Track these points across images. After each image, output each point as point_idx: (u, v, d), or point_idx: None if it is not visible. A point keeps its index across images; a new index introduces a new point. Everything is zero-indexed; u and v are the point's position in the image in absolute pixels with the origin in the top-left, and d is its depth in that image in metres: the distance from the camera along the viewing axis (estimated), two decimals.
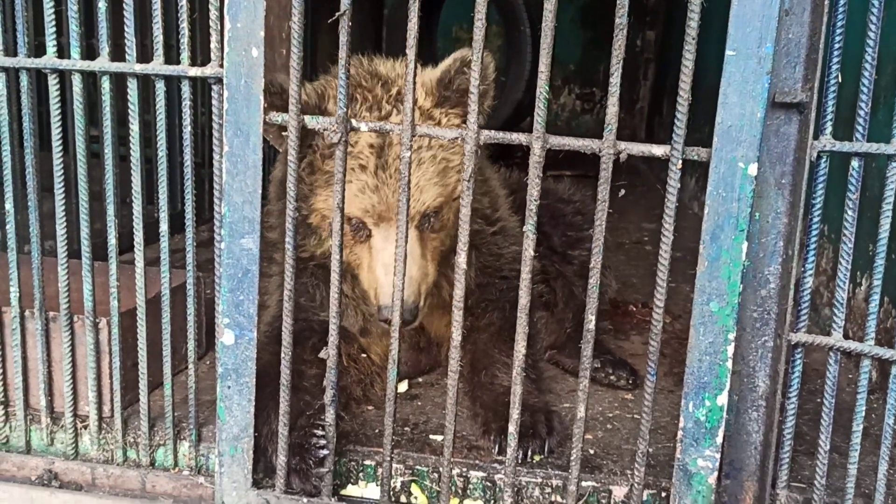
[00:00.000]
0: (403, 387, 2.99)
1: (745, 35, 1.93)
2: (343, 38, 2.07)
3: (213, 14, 2.21)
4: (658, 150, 2.03)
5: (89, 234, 2.44)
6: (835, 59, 2.11)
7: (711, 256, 2.03)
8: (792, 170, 2.18)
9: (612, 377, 3.03)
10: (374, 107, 2.61)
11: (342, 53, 2.08)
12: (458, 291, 2.14)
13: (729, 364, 2.07)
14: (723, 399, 2.09)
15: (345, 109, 2.11)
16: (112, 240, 2.43)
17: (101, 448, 2.58)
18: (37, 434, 2.61)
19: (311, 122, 2.15)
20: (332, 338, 2.24)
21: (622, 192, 4.01)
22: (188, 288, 2.45)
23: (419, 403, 2.88)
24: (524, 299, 2.13)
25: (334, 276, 2.18)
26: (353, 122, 2.14)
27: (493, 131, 2.09)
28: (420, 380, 3.08)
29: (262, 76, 2.12)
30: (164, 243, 2.41)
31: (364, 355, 2.93)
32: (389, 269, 2.46)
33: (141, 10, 2.34)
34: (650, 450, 2.56)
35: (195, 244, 2.42)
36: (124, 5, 2.28)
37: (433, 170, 2.61)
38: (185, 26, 2.29)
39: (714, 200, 2.00)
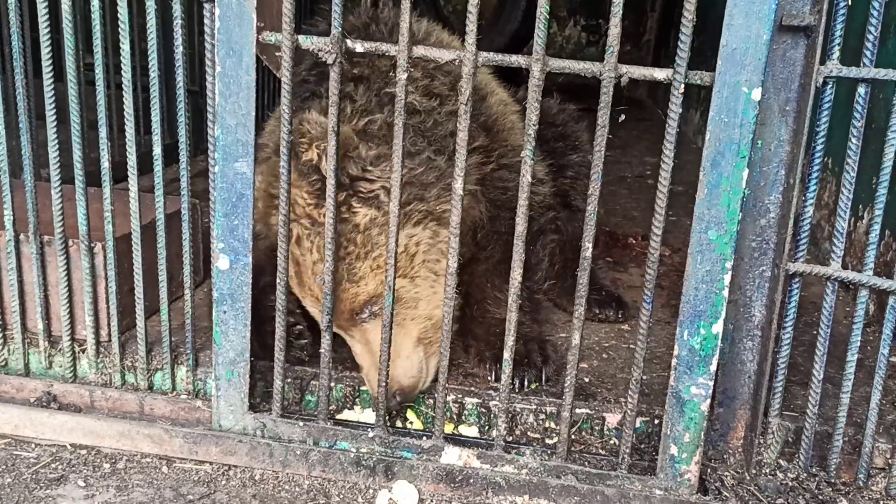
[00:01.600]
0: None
1: None
2: None
3: None
4: (660, 74, 1.99)
5: (82, 158, 2.41)
6: None
7: (711, 183, 2.00)
8: (797, 96, 2.14)
9: (599, 315, 3.02)
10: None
11: None
12: (455, 218, 2.12)
13: (725, 293, 2.06)
14: (718, 327, 2.08)
15: (339, 28, 2.06)
16: (105, 163, 2.40)
17: (99, 372, 2.59)
18: (35, 357, 2.63)
19: (305, 41, 2.10)
20: (328, 263, 2.23)
21: (622, 116, 3.95)
22: (183, 213, 2.43)
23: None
24: (520, 226, 2.11)
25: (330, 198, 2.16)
26: (349, 41, 2.09)
27: (491, 53, 2.04)
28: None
29: (254, 24, 2.06)
30: (158, 167, 2.38)
31: None
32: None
33: None
34: (644, 378, 2.57)
35: (190, 172, 2.39)
36: None
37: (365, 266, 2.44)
38: None
39: (716, 126, 1.96)
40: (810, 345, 2.63)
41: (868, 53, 2.05)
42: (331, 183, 2.15)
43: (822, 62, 2.08)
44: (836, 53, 2.07)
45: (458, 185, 2.10)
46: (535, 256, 3.06)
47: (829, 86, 2.09)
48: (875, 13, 2.03)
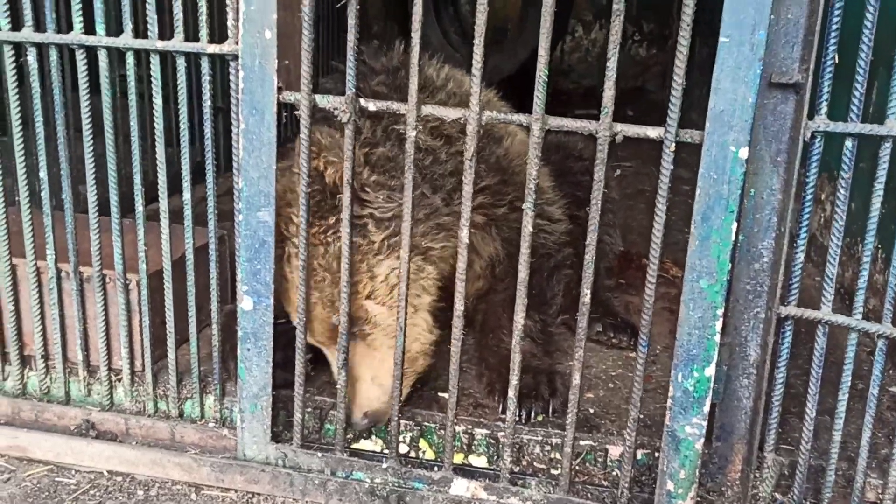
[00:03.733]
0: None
1: (739, 22, 1.98)
2: (351, 20, 2.15)
3: None
4: (653, 133, 2.11)
5: (118, 201, 2.58)
6: (832, 41, 2.14)
7: (702, 236, 2.12)
8: (787, 148, 2.24)
9: (613, 340, 3.15)
10: None
11: (351, 36, 2.16)
12: (461, 265, 2.25)
13: (717, 338, 2.18)
14: (710, 371, 2.20)
15: (353, 89, 2.20)
16: (139, 207, 2.57)
17: (133, 400, 2.77)
18: (75, 386, 2.81)
19: (322, 101, 2.25)
20: (343, 305, 2.38)
21: (618, 171, 3.96)
22: (210, 252, 2.59)
23: (432, 360, 3.02)
24: (523, 273, 2.25)
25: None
26: (362, 101, 2.23)
27: (494, 112, 2.17)
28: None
29: (275, 57, 2.21)
30: (188, 211, 2.54)
31: None
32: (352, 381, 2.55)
33: None
34: (647, 410, 2.69)
35: (217, 203, 2.52)
36: None
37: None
38: (203, 5, 2.38)
39: (706, 182, 2.08)
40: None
41: (855, 109, 2.15)
42: (345, 231, 2.30)
43: (811, 117, 2.18)
44: (824, 108, 2.17)
45: (465, 234, 2.24)
46: (551, 290, 3.17)
47: (818, 139, 2.19)
48: (861, 71, 2.13)
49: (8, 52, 2.53)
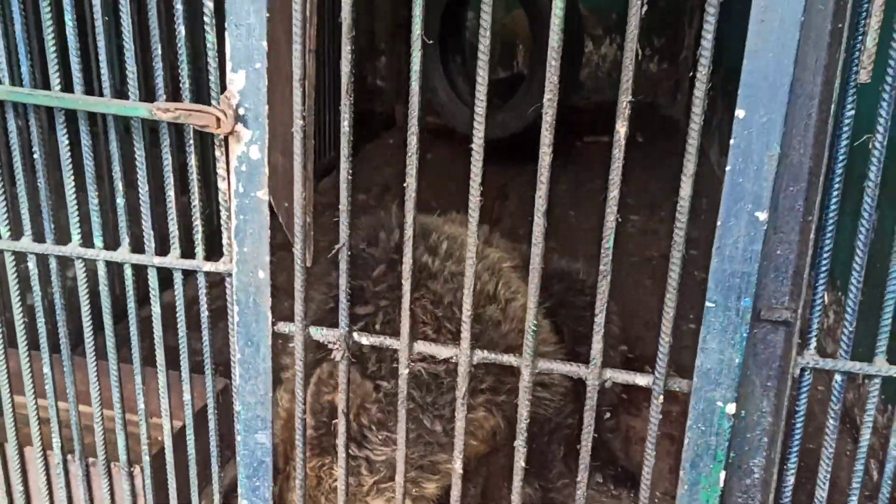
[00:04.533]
0: None
1: (725, 289, 1.99)
2: (343, 266, 2.18)
3: (224, 215, 2.33)
4: (642, 381, 2.13)
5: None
6: (821, 280, 2.15)
7: (691, 481, 2.15)
8: (777, 374, 2.25)
9: (613, 492, 3.19)
10: None
11: (343, 282, 2.19)
12: (455, 493, 2.30)
13: None
14: None
15: (347, 328, 2.24)
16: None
17: None
18: None
19: (316, 333, 2.28)
20: None
21: (608, 414, 3.87)
22: (210, 432, 2.63)
23: None
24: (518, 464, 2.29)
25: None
26: (356, 335, 2.27)
27: (486, 352, 2.20)
28: None
29: (269, 295, 2.25)
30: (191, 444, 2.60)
31: None
32: None
33: (158, 202, 2.45)
34: None
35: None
36: (140, 203, 2.41)
37: None
38: (199, 223, 2.41)
39: (694, 433, 2.11)
40: None
41: (844, 345, 2.17)
42: (341, 458, 2.35)
43: (800, 353, 2.20)
44: (814, 343, 2.19)
45: (458, 466, 2.28)
46: (551, 453, 3.21)
47: (808, 373, 2.21)
48: (850, 307, 2.14)
49: (9, 258, 2.58)
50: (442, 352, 2.25)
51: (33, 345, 2.68)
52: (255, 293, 2.25)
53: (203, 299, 2.49)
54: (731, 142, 1.87)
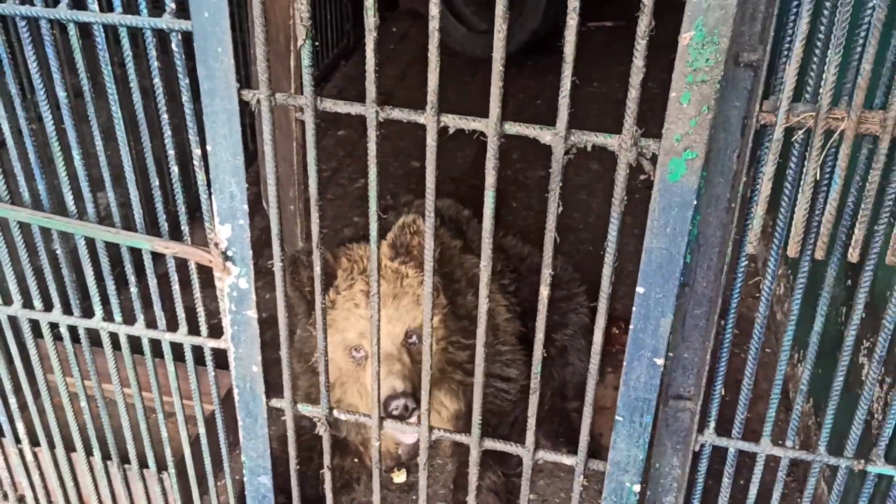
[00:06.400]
0: (402, 477, 3.78)
1: (631, 410, 2.42)
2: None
3: (222, 307, 2.75)
4: (568, 461, 2.61)
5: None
6: (718, 377, 2.57)
7: None
8: (684, 439, 2.73)
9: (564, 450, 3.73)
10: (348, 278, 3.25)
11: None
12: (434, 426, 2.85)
13: None
14: None
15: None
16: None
17: None
18: None
19: (304, 409, 2.76)
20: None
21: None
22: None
23: (414, 498, 3.68)
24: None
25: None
26: (335, 412, 2.74)
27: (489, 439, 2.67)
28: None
29: (262, 383, 2.71)
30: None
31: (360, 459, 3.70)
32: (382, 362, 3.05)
33: None
34: None
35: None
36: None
37: (408, 301, 3.23)
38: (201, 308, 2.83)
39: (608, 502, 2.61)
40: None
41: (737, 428, 2.63)
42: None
43: (700, 431, 2.66)
44: (713, 424, 2.64)
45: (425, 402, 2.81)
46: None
47: (706, 448, 2.68)
48: (743, 397, 2.58)
49: None
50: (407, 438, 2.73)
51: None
52: (251, 381, 2.72)
53: (211, 373, 2.95)
54: (634, 309, 2.25)
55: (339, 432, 3.60)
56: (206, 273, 2.66)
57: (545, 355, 3.94)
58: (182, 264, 2.69)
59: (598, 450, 3.78)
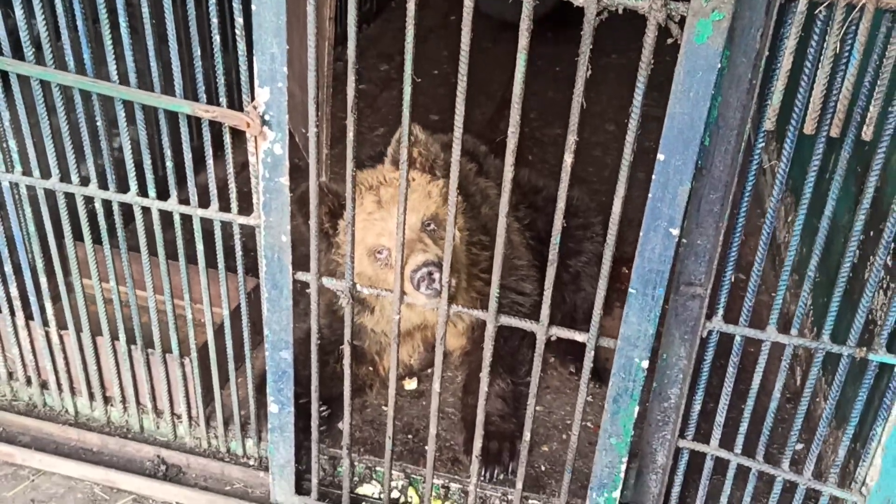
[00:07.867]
0: (413, 384, 3.88)
1: (644, 282, 2.53)
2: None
3: (254, 182, 2.85)
4: (580, 338, 2.71)
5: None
6: (729, 264, 2.67)
7: (613, 411, 2.78)
8: (692, 331, 2.83)
9: (577, 376, 3.82)
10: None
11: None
12: (440, 332, 2.96)
13: (622, 474, 2.90)
14: (616, 493, 2.94)
15: (351, 281, 2.81)
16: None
17: (192, 437, 3.62)
18: (147, 421, 3.66)
19: (328, 283, 2.86)
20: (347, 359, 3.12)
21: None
22: (243, 317, 3.25)
23: (424, 403, 3.78)
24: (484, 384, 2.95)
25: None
26: (358, 286, 2.85)
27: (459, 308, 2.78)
28: (429, 372, 3.94)
29: (290, 253, 2.81)
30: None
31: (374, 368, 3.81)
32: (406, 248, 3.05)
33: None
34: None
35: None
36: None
37: (419, 195, 3.34)
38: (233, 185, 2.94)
39: (617, 379, 2.71)
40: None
41: (744, 315, 2.73)
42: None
43: (709, 318, 2.76)
44: (721, 312, 2.74)
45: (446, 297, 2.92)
46: (521, 354, 3.80)
47: (714, 335, 2.77)
48: (752, 287, 2.68)
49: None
50: (428, 303, 2.83)
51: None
52: (279, 251, 2.82)
53: (238, 245, 3.05)
54: (653, 177, 2.35)
55: (361, 342, 3.69)
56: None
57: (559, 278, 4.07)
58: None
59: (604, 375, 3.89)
